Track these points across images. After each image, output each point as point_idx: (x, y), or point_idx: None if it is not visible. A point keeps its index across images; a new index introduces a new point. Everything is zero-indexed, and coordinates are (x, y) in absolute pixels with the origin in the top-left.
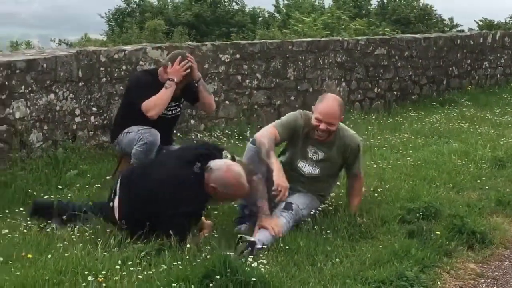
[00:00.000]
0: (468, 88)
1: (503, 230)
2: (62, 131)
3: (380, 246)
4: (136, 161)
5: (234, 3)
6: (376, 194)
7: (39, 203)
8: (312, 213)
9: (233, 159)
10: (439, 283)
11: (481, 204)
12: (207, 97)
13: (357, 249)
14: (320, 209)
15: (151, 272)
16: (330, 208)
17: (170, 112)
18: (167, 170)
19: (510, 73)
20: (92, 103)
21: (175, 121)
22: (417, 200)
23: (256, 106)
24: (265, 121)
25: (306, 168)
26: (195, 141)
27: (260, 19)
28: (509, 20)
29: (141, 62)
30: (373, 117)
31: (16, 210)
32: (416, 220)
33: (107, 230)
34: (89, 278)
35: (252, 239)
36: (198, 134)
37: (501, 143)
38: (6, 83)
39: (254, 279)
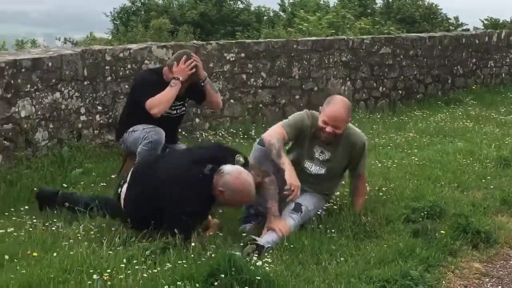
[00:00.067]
0: (473, 87)
1: (508, 230)
2: (67, 129)
3: (385, 245)
4: (141, 160)
5: (239, 2)
6: (381, 193)
7: (44, 191)
8: (318, 213)
9: (246, 162)
10: (443, 282)
11: (486, 204)
12: (213, 95)
13: (362, 248)
14: (325, 208)
15: (156, 270)
16: (335, 207)
17: (175, 111)
18: (176, 168)
19: None
20: (97, 102)
21: (180, 120)
22: (422, 199)
23: (261, 105)
24: (270, 120)
25: (313, 168)
26: (212, 142)
27: (265, 18)
28: None
29: (146, 61)
30: (378, 116)
31: (22, 209)
32: (420, 219)
33: (112, 228)
34: (94, 276)
35: (260, 243)
36: (203, 133)
37: (506, 142)
38: (12, 81)
39: (259, 277)
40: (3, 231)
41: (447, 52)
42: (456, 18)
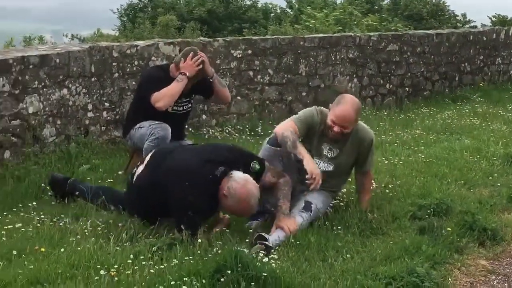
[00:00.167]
0: (481, 84)
1: None
2: (74, 126)
3: (391, 242)
4: (162, 146)
5: None
6: (387, 190)
7: (55, 177)
8: (326, 210)
9: (262, 168)
10: (450, 279)
11: (492, 201)
12: (221, 90)
13: (368, 245)
14: (332, 205)
15: (162, 266)
16: (341, 204)
17: (181, 108)
18: (188, 164)
19: None
20: (104, 98)
21: (186, 117)
22: (428, 196)
23: (267, 102)
24: (276, 117)
25: (321, 165)
26: (232, 145)
27: (272, 14)
28: None
29: (153, 58)
30: (385, 113)
31: (29, 205)
32: (427, 216)
33: (119, 224)
34: (102, 272)
35: (270, 244)
36: (210, 129)
37: None
38: (20, 78)
39: (265, 274)
40: (11, 226)
41: (455, 49)
42: (464, 15)
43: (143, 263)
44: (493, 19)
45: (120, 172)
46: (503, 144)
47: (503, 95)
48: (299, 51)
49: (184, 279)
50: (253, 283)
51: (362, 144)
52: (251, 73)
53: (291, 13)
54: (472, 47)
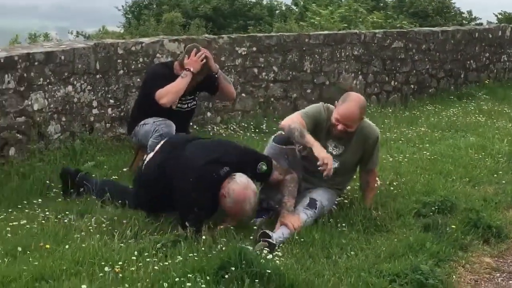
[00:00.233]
0: (486, 81)
1: None
2: (79, 122)
3: (395, 240)
4: (175, 135)
5: None
6: (392, 188)
7: (66, 169)
8: (331, 207)
9: (269, 169)
10: (454, 277)
11: (497, 199)
12: (227, 86)
13: (372, 242)
14: (336, 202)
15: (167, 263)
16: (346, 201)
17: (186, 105)
18: (195, 161)
19: None
20: (109, 95)
21: (191, 114)
22: (433, 194)
23: (272, 99)
24: (281, 114)
25: None
26: (242, 146)
27: (277, 12)
28: None
29: (158, 55)
30: (390, 110)
31: (34, 201)
32: (431, 213)
33: (124, 221)
34: (106, 268)
35: (273, 241)
36: (215, 127)
37: None
38: (25, 75)
39: (269, 271)
40: (16, 223)
41: (460, 46)
42: (470, 12)
43: (148, 259)
44: (499, 16)
45: (125, 169)
46: (508, 141)
47: (508, 93)
48: (304, 48)
49: (188, 275)
50: (257, 280)
51: (368, 141)
52: (255, 70)
53: (296, 10)
54: (477, 44)
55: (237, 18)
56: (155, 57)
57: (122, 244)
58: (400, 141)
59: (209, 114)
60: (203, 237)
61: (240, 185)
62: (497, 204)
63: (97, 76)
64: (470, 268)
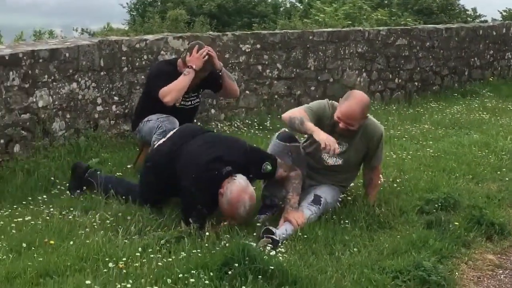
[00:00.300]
0: (490, 79)
1: None
2: (84, 119)
3: (398, 236)
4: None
5: None
6: (395, 185)
7: (78, 163)
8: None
9: (274, 169)
10: (457, 273)
11: (500, 196)
12: (230, 84)
13: (375, 239)
14: (340, 199)
15: (170, 259)
16: (349, 198)
17: (189, 103)
18: (200, 157)
19: None
20: (113, 92)
21: (195, 111)
22: (436, 191)
23: (276, 96)
24: (285, 111)
25: (330, 159)
26: (249, 145)
27: (281, 9)
28: None
29: (162, 52)
30: (394, 107)
31: (39, 198)
32: (434, 210)
33: (128, 218)
34: (110, 264)
35: (276, 238)
36: (219, 124)
37: None
38: (30, 72)
39: (272, 267)
40: (21, 219)
41: (464, 43)
42: (474, 10)
43: (151, 256)
44: (504, 13)
45: (129, 166)
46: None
47: None
48: (308, 46)
49: (192, 272)
50: (260, 276)
51: (372, 139)
52: (259, 67)
53: (301, 7)
54: (481, 41)
55: (241, 16)
56: (159, 54)
57: (126, 240)
58: (404, 138)
59: (213, 111)
60: (207, 233)
61: (238, 187)
62: (500, 201)
63: (102, 73)
64: (473, 265)
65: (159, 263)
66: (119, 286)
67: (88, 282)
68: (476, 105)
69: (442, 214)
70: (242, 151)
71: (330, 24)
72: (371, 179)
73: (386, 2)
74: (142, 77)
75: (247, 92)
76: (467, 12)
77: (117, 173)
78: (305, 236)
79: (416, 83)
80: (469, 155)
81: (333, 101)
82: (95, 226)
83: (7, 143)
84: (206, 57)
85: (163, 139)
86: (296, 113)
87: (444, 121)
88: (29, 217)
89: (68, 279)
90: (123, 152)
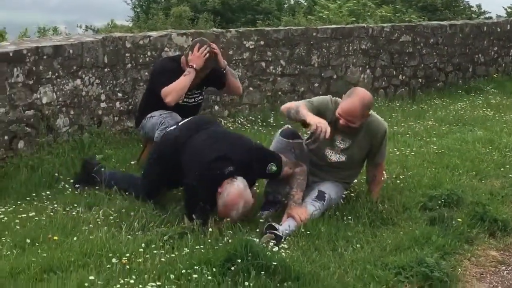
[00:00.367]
0: (495, 75)
1: None
2: (88, 116)
3: (401, 233)
4: (199, 116)
5: None
6: (398, 181)
7: (88, 160)
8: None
9: (279, 170)
10: (459, 269)
11: (504, 192)
12: (234, 81)
13: (378, 235)
14: (343, 195)
15: (174, 255)
16: (352, 194)
17: (192, 100)
18: (204, 154)
19: None
20: (117, 89)
21: (198, 108)
22: (440, 187)
23: (280, 93)
24: None
25: (333, 156)
26: (255, 144)
27: (286, 5)
28: None
29: (166, 48)
30: (397, 104)
31: (43, 194)
32: (437, 207)
33: (131, 214)
34: (113, 260)
35: (280, 233)
36: (222, 120)
37: None
38: (34, 68)
39: (275, 263)
40: (25, 215)
41: (468, 40)
42: (479, 6)
43: (155, 251)
44: (508, 10)
45: (132, 162)
46: None
47: None
48: (311, 42)
49: (195, 267)
50: (263, 272)
51: (375, 136)
52: (263, 64)
53: (305, 4)
54: (486, 38)
55: (245, 12)
56: (163, 51)
57: (129, 236)
58: (407, 135)
59: (216, 107)
60: (210, 229)
61: (236, 191)
62: (503, 198)
63: (105, 69)
64: (476, 261)
65: (162, 259)
66: (122, 281)
67: (91, 277)
68: (480, 102)
69: (445, 211)
70: (246, 149)
71: (334, 21)
72: (375, 176)
73: None
74: (146, 73)
75: (250, 88)
76: (471, 9)
77: (121, 170)
78: (308, 232)
79: (420, 80)
80: (473, 152)
81: (337, 98)
82: (99, 222)
83: (11, 140)
84: (207, 55)
85: (174, 127)
86: (293, 104)
87: (448, 118)
88: (33, 213)
89: (72, 275)
90: (127, 149)
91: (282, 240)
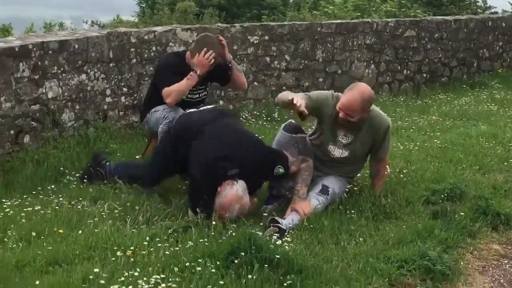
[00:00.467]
0: (499, 70)
1: None
2: (93, 110)
3: (404, 226)
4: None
5: None
6: (401, 175)
7: (97, 153)
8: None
9: (286, 172)
10: (462, 263)
11: (507, 186)
12: (239, 76)
13: (381, 229)
14: (346, 189)
15: (178, 248)
16: (355, 188)
17: (196, 96)
18: (210, 151)
19: None
20: (122, 84)
21: (202, 103)
22: (443, 181)
23: (284, 88)
24: None
25: (336, 151)
26: (263, 146)
27: (291, 1)
28: None
29: (170, 44)
30: (402, 99)
31: (48, 188)
32: (440, 201)
33: (136, 207)
34: (118, 253)
35: (283, 226)
36: None
37: None
38: (39, 63)
39: (278, 256)
40: (31, 209)
41: (473, 35)
42: (484, 1)
43: (159, 245)
44: None
45: (137, 157)
46: None
47: None
48: (316, 37)
49: (199, 260)
50: (266, 265)
51: (378, 131)
52: (268, 59)
53: None
54: (490, 33)
55: (250, 7)
56: (167, 46)
57: (134, 230)
58: (411, 130)
59: (221, 102)
60: (214, 222)
61: (233, 195)
62: (506, 192)
63: (111, 64)
64: (478, 255)
65: (167, 252)
66: (126, 274)
67: (96, 270)
68: (484, 97)
69: (448, 205)
70: (256, 153)
71: (339, 16)
72: (378, 171)
73: None
74: (151, 68)
75: (255, 83)
76: (477, 4)
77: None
78: (311, 226)
79: (424, 75)
80: (477, 146)
81: (338, 93)
82: (104, 216)
83: (17, 134)
84: (212, 61)
85: (192, 110)
86: (286, 92)
87: (452, 113)
88: (39, 207)
89: (77, 268)
90: (132, 143)
91: (286, 233)
